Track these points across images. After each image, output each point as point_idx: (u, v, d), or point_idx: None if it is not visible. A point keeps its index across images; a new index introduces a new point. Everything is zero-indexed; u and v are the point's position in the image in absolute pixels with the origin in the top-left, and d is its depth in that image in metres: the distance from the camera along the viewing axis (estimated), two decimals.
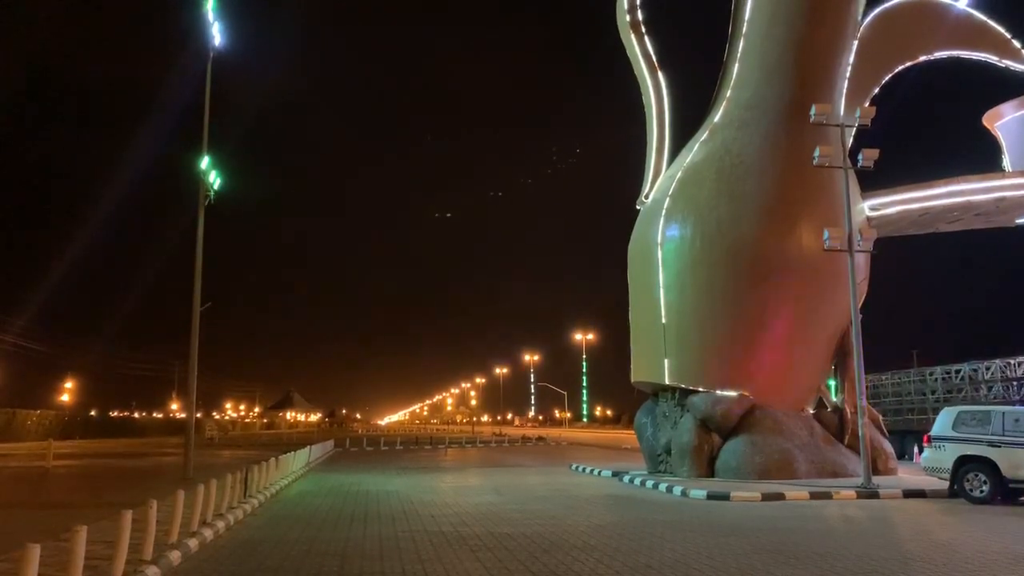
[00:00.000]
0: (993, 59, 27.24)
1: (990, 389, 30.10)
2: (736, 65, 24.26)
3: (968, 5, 27.07)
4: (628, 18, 25.56)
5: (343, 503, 17.49)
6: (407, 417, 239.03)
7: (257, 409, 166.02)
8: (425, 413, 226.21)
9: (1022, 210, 28.74)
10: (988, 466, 16.19)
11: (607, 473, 24.70)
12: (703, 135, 24.36)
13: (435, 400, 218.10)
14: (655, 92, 25.57)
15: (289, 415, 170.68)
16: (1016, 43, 27.00)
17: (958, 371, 31.07)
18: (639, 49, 25.58)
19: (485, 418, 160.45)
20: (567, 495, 18.99)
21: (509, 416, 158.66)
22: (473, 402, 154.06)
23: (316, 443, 37.22)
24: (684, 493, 18.45)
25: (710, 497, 17.59)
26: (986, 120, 31.71)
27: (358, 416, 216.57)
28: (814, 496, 17.52)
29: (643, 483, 21.23)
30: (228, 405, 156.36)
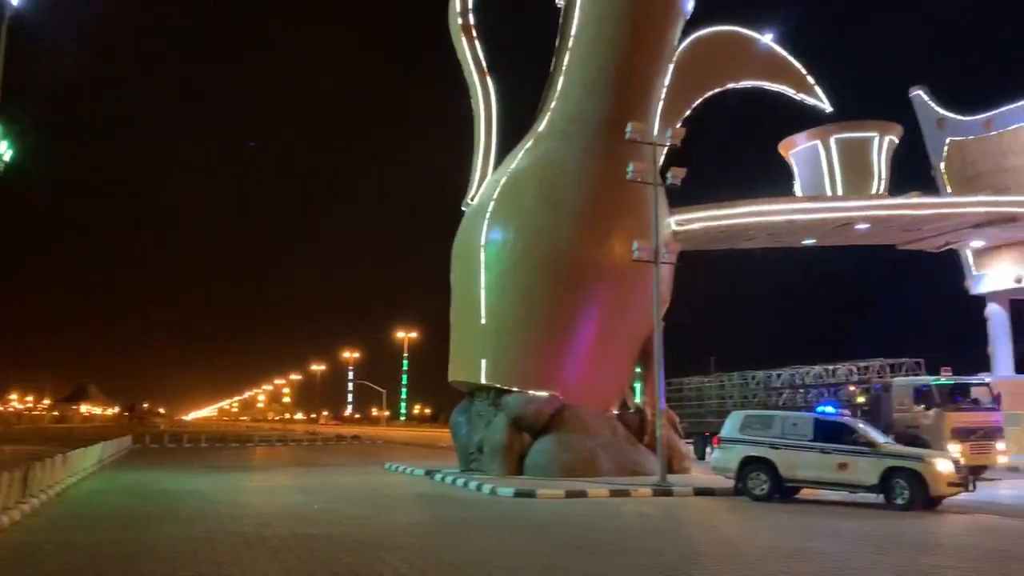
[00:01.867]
0: (790, 92, 29.74)
1: (780, 396, 32.59)
2: (561, 78, 25.07)
3: (772, 41, 29.43)
4: (460, 21, 25.80)
5: (138, 503, 16.51)
6: (216, 413, 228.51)
7: (47, 401, 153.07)
8: (235, 410, 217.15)
9: (808, 232, 31.60)
10: (768, 466, 17.63)
11: (420, 472, 24.78)
12: (528, 143, 24.98)
13: (246, 396, 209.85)
14: (484, 97, 25.95)
15: (84, 408, 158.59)
16: (811, 79, 29.62)
17: (754, 377, 33.42)
18: (469, 53, 25.87)
19: (299, 416, 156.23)
20: (378, 494, 18.89)
21: (324, 414, 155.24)
22: (287, 399, 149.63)
23: (112, 439, 34.83)
24: (493, 491, 18.84)
25: (517, 495, 18.06)
26: (781, 148, 34.60)
27: (161, 411, 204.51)
28: (614, 493, 18.40)
29: (454, 481, 21.47)
30: (13, 396, 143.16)
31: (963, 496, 16.42)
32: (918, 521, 14.51)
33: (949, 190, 37.20)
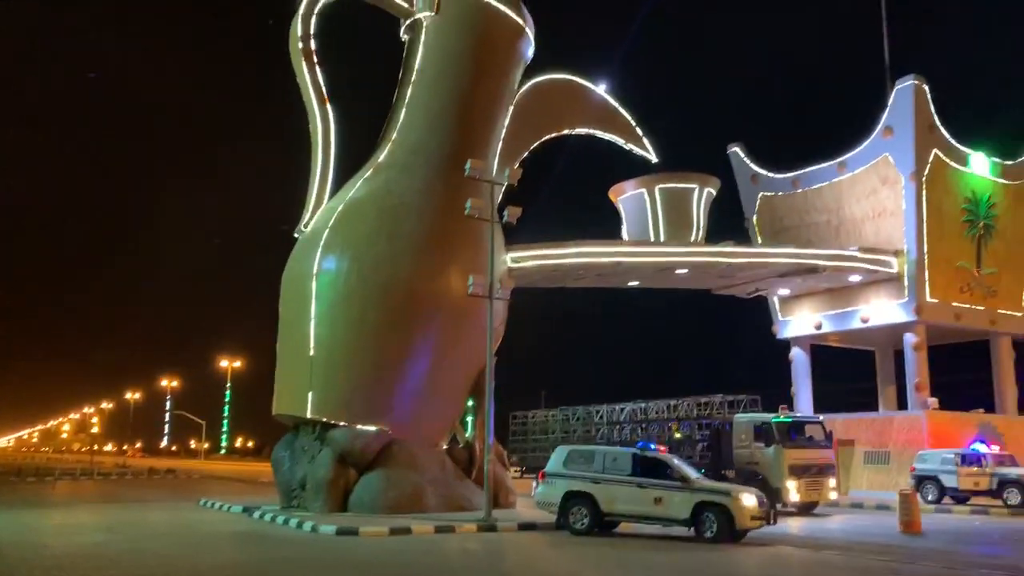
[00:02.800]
0: (620, 141, 31.21)
1: (621, 430, 33.39)
2: (404, 110, 25.16)
3: (605, 91, 30.84)
4: (301, 45, 25.35)
5: None
6: (11, 444, 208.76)
7: None
8: (35, 440, 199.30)
9: (633, 275, 33.10)
10: (589, 500, 18.14)
11: (237, 508, 23.65)
12: (367, 172, 24.79)
13: (49, 426, 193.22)
14: (323, 123, 25.52)
15: None
16: (639, 131, 31.22)
17: (597, 411, 34.01)
18: (309, 78, 25.44)
19: (109, 447, 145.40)
20: (190, 532, 17.85)
21: (137, 445, 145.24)
22: (95, 429, 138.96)
23: None
24: (314, 529, 18.26)
25: (339, 532, 17.59)
26: (611, 193, 36.16)
27: None
28: (439, 530, 18.30)
29: (273, 519, 20.64)
30: None
31: (765, 529, 17.51)
32: (723, 553, 15.34)
33: (759, 241, 40.12)
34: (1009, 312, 38.53)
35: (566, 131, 30.35)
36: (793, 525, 20.86)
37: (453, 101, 24.71)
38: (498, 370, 21.99)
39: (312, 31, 25.49)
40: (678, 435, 28.90)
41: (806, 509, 24.94)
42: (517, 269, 27.04)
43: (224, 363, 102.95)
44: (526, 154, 28.58)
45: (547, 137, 29.50)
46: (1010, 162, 39.05)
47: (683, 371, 69.62)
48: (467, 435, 25.37)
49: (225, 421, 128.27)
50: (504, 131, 26.41)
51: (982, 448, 28.84)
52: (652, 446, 19.44)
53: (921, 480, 28.44)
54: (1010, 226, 38.57)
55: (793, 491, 23.83)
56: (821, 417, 28.28)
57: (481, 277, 20.76)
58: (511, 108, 26.69)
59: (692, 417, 28.99)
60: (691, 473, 18.02)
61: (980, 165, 37.88)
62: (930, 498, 27.72)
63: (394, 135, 25.10)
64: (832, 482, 25.12)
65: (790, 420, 25.37)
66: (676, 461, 18.57)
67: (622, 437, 31.10)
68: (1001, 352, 39.01)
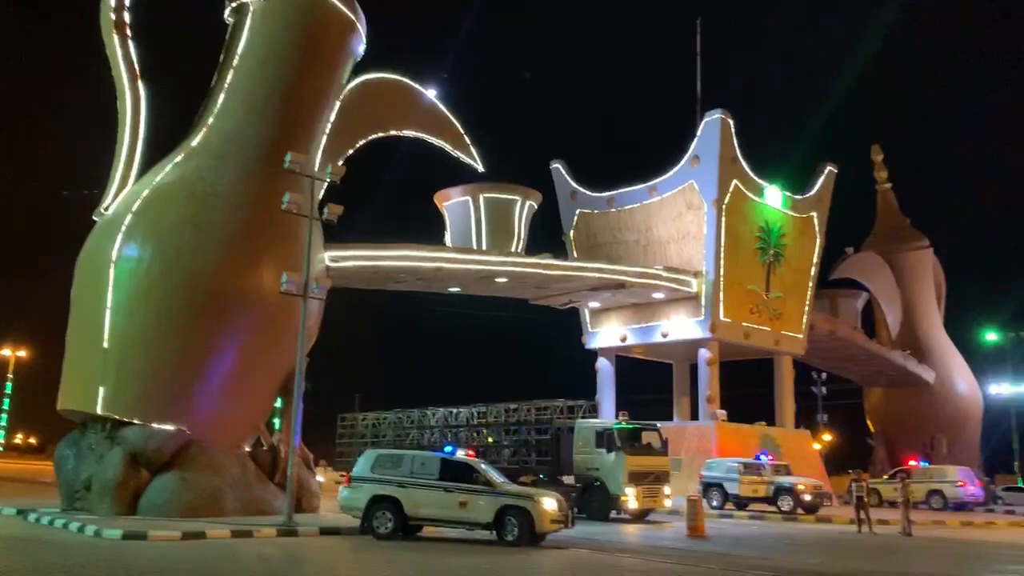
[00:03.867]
0: (448, 148, 31.42)
1: (433, 433, 32.87)
2: (222, 95, 24.08)
3: (436, 97, 30.96)
4: (113, 17, 23.69)
5: None
6: None
7: None
8: None
9: (454, 281, 33.41)
10: (394, 504, 18.07)
11: (10, 511, 21.61)
12: (178, 157, 23.47)
13: None
14: (132, 101, 23.93)
15: None
16: (467, 139, 31.56)
17: (434, 414, 32.93)
18: (121, 52, 23.80)
19: None
20: None
21: None
22: None
23: None
24: (98, 533, 17.02)
25: (126, 536, 16.49)
26: (437, 198, 36.34)
27: None
28: (236, 534, 17.60)
29: (52, 522, 19.04)
30: None
31: (563, 533, 18.14)
32: (524, 557, 15.75)
33: (575, 255, 41.71)
34: (791, 334, 42.21)
35: (393, 132, 30.18)
36: (625, 531, 21.75)
37: (276, 91, 23.94)
38: (328, 372, 21.48)
39: (127, 3, 23.90)
40: (490, 440, 29.30)
41: (640, 516, 25.21)
42: (335, 269, 26.54)
43: (7, 352, 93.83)
44: (351, 152, 28.14)
45: (373, 137, 29.19)
46: (799, 196, 42.84)
47: (498, 377, 70.94)
48: (273, 437, 24.56)
49: (3, 415, 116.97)
50: (329, 126, 25.89)
51: (764, 458, 31.35)
52: (455, 450, 19.65)
53: (708, 487, 30.48)
54: (796, 255, 42.29)
55: (632, 498, 24.03)
56: (659, 424, 29.10)
57: (296, 275, 20.21)
58: (338, 104, 26.22)
59: (512, 423, 29.02)
60: (496, 477, 18.38)
61: (774, 197, 41.29)
62: (715, 504, 29.77)
63: (210, 120, 23.95)
64: (667, 489, 25.35)
65: (632, 427, 25.47)
66: (483, 466, 18.88)
67: (431, 442, 31.04)
68: (783, 370, 42.65)
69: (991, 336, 54.35)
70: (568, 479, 25.57)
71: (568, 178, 43.86)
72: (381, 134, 29.56)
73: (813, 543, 20.75)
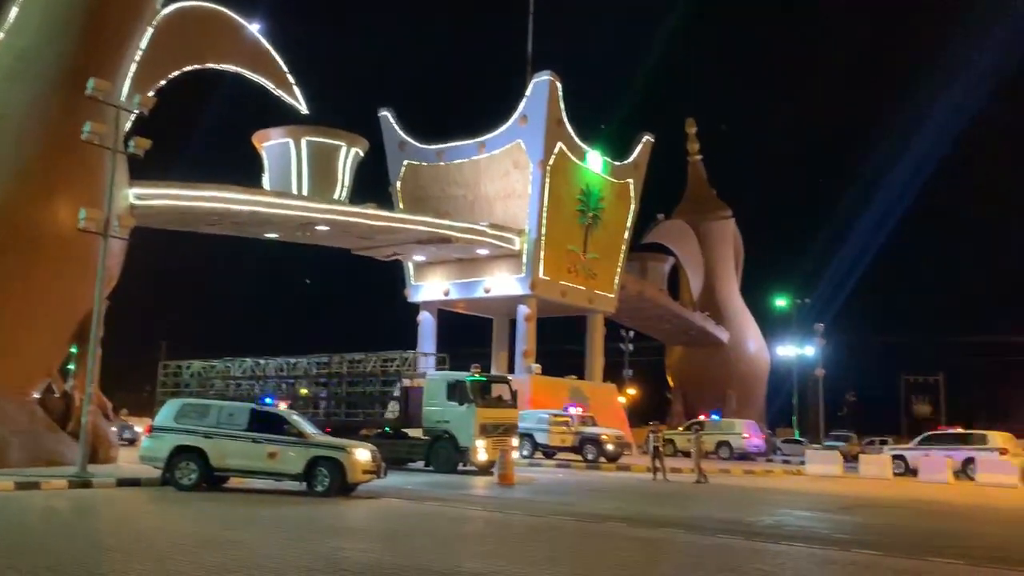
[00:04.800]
0: (270, 86, 30.07)
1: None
2: (16, 8, 21.74)
3: (259, 32, 29.44)
4: None
5: None
6: None
7: None
8: None
9: (272, 227, 32.29)
10: (199, 455, 17.44)
11: None
12: None
13: None
14: None
15: None
16: (291, 78, 30.32)
17: (267, 363, 30.48)
18: None
19: None
20: None
21: None
22: None
23: None
24: None
25: None
26: (255, 139, 34.82)
27: None
28: (21, 487, 16.36)
29: None
30: None
31: (376, 483, 18.23)
32: (334, 507, 15.72)
33: (401, 207, 41.39)
34: (604, 293, 44.15)
35: (211, 65, 28.49)
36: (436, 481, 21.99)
37: (79, 9, 21.84)
38: (146, 317, 20.12)
39: None
40: (304, 392, 28.63)
41: (487, 468, 24.78)
42: (141, 207, 24.91)
43: None
44: (163, 84, 26.32)
45: (189, 68, 27.42)
46: (618, 163, 44.56)
47: (323, 328, 69.56)
48: (67, 384, 22.93)
49: None
50: (139, 54, 24.01)
51: (572, 410, 32.80)
52: (274, 401, 19.23)
53: (520, 437, 31.51)
54: (612, 219, 44.09)
55: (482, 450, 23.90)
56: (509, 377, 28.92)
57: (96, 211, 18.75)
58: (150, 30, 24.34)
59: (343, 374, 27.55)
60: (308, 428, 18.14)
61: (595, 162, 42.71)
62: (524, 453, 30.86)
63: (1, 35, 21.60)
64: (516, 441, 25.40)
65: (484, 379, 25.31)
66: (295, 417, 18.57)
67: (241, 392, 29.72)
68: (595, 327, 44.63)
69: (780, 302, 59.42)
70: (415, 432, 25.36)
71: (397, 128, 43.26)
72: (197, 66, 27.82)
73: (612, 490, 22.05)
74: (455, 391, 24.38)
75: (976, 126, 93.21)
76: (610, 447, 30.87)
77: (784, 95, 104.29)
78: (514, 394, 26.06)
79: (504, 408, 25.39)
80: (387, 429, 26.15)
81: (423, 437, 25.03)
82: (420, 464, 25.14)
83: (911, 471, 31.51)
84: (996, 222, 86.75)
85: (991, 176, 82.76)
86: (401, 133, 43.17)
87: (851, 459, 35.73)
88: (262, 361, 29.41)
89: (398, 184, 43.01)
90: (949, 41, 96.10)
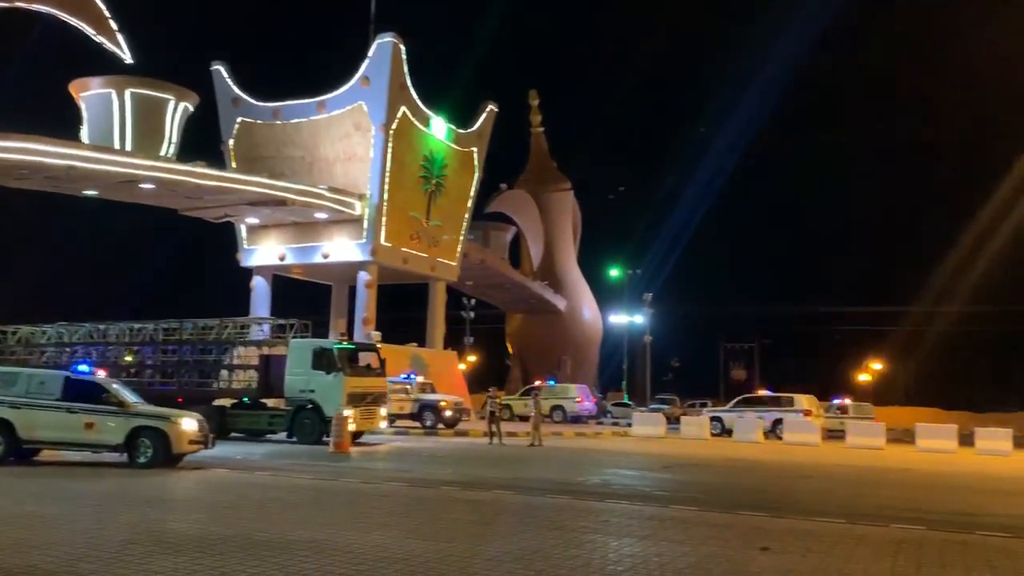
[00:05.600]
0: (90, 32, 27.91)
1: (74, 352, 28.57)
2: None
3: None
4: None
5: None
6: None
7: None
8: None
9: (91, 183, 30.13)
10: (5, 427, 16.19)
11: None
12: None
13: None
14: None
15: None
16: (113, 24, 28.27)
17: (109, 328, 28.35)
18: None
19: None
20: None
21: None
22: None
23: None
24: None
25: None
26: (73, 88, 32.25)
27: None
28: None
29: None
30: None
31: (203, 453, 17.57)
32: (157, 478, 15.04)
33: (233, 166, 39.63)
34: (446, 261, 44.31)
35: (20, 4, 26.06)
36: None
37: None
38: None
39: None
40: (129, 358, 27.02)
41: (354, 438, 23.91)
42: None
43: None
44: None
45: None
46: (462, 130, 44.59)
47: (145, 292, 65.73)
48: None
49: None
50: None
51: (412, 378, 32.83)
52: (87, 368, 18.07)
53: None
54: (455, 186, 44.20)
55: (350, 420, 22.84)
56: (378, 344, 27.89)
57: None
58: None
59: (173, 341, 25.97)
60: (129, 397, 17.20)
61: (439, 128, 42.54)
62: (384, 425, 30.60)
63: None
64: (384, 411, 24.84)
65: (353, 347, 24.53)
66: (114, 385, 17.55)
67: (60, 360, 27.71)
68: (436, 295, 44.78)
69: (614, 272, 61.79)
70: (274, 402, 24.31)
71: (231, 83, 41.22)
72: (4, 4, 25.38)
73: (448, 455, 22.33)
74: (322, 359, 23.32)
75: (777, 119, 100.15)
76: (448, 413, 31.21)
77: (616, 69, 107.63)
78: (382, 362, 25.47)
79: (373, 377, 24.72)
80: (245, 400, 25.08)
81: (284, 408, 24.06)
82: (284, 437, 24.19)
83: (727, 431, 33.82)
84: (806, 198, 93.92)
85: (800, 156, 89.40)
86: (235, 88, 41.20)
87: (674, 421, 37.89)
88: (101, 326, 27.40)
89: (231, 142, 41.10)
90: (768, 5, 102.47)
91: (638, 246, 79.72)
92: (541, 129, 66.55)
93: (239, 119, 40.96)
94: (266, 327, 28.30)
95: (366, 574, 7.62)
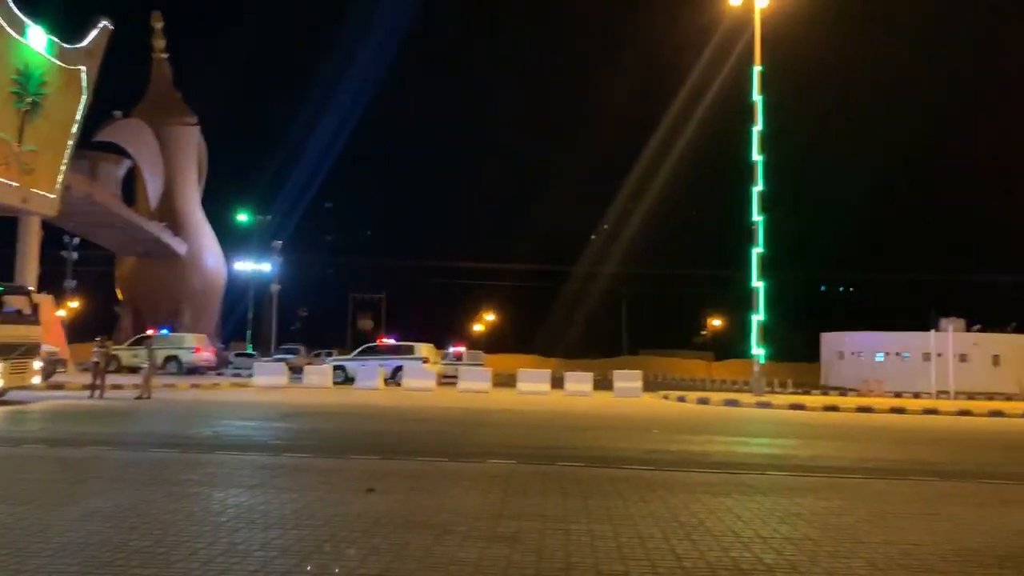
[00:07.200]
0: None
1: None
2: None
3: None
4: None
5: None
6: None
7: None
8: None
9: None
10: None
11: None
12: None
13: None
14: None
15: None
16: None
17: None
18: None
19: None
20: None
21: None
22: None
23: None
24: None
25: None
26: None
27: None
28: None
29: None
30: None
31: None
32: None
33: None
34: (43, 192, 39.05)
35: None
36: None
37: None
38: None
39: None
40: None
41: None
42: None
43: None
44: None
45: None
46: (68, 46, 39.33)
47: None
48: None
49: None
50: None
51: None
52: None
53: None
54: (57, 108, 38.96)
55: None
56: (31, 288, 23.26)
57: None
58: None
59: None
60: None
61: (37, 40, 37.06)
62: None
63: None
64: (37, 364, 21.82)
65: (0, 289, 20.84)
66: None
67: None
68: (29, 231, 39.39)
69: (242, 217, 59.34)
70: None
71: None
72: None
73: (38, 411, 19.98)
74: None
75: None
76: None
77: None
78: (35, 308, 22.39)
79: (25, 325, 21.67)
80: None
81: None
82: None
83: (350, 380, 34.60)
84: (440, 150, 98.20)
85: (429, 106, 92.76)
86: None
87: (299, 371, 37.78)
88: None
89: None
90: None
91: (269, 190, 77.45)
92: (165, 55, 60.86)
93: None
94: None
95: None
